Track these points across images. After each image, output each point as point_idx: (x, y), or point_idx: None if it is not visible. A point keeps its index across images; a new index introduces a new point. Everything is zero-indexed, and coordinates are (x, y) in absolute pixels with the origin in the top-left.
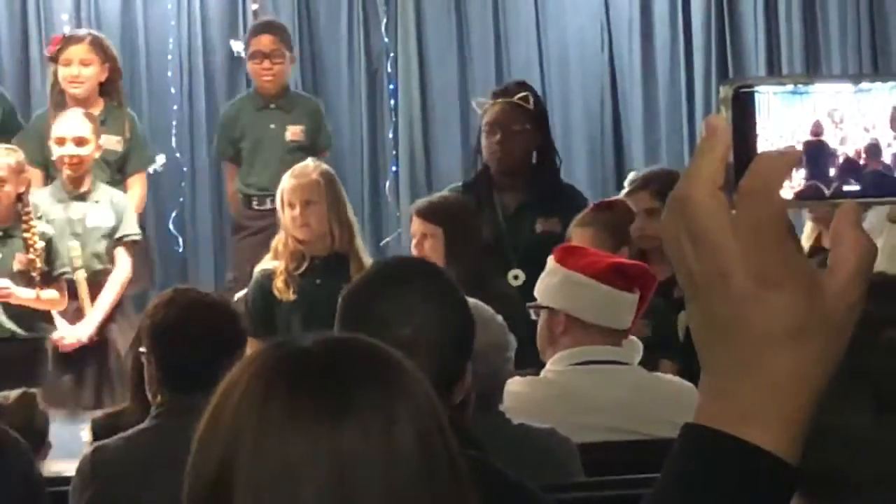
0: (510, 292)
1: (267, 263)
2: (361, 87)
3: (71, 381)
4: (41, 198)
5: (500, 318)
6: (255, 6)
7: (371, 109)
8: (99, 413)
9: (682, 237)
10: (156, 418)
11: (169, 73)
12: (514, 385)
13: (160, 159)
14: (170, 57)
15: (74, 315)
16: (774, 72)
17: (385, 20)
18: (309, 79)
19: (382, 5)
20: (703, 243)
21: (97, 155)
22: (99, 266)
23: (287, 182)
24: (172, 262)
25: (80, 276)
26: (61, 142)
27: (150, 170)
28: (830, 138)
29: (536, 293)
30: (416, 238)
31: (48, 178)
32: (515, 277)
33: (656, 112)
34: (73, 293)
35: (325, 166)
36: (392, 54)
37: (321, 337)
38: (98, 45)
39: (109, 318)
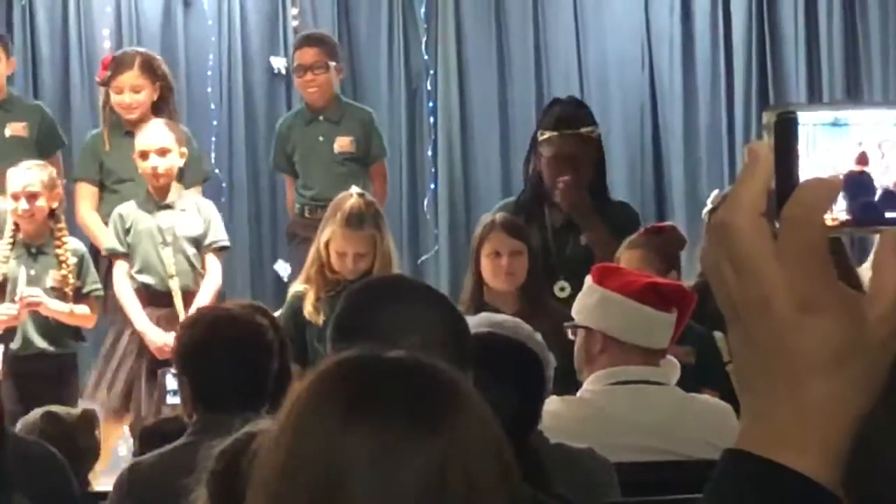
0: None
1: (299, 285)
2: (401, 104)
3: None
4: (128, 209)
5: (538, 336)
6: (295, 23)
7: (410, 127)
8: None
9: (724, 263)
10: (190, 435)
11: (208, 89)
12: (552, 404)
13: None
14: (209, 73)
15: (171, 323)
16: (815, 93)
17: (425, 38)
18: (349, 95)
19: (423, 23)
20: (744, 269)
21: (181, 163)
22: (192, 273)
23: (339, 227)
24: None
25: (175, 285)
26: (145, 155)
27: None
28: (873, 167)
29: (574, 313)
30: (506, 255)
31: (103, 195)
32: (562, 289)
33: (696, 131)
34: (167, 302)
35: (372, 208)
36: (432, 72)
37: (390, 355)
38: (148, 68)
39: None
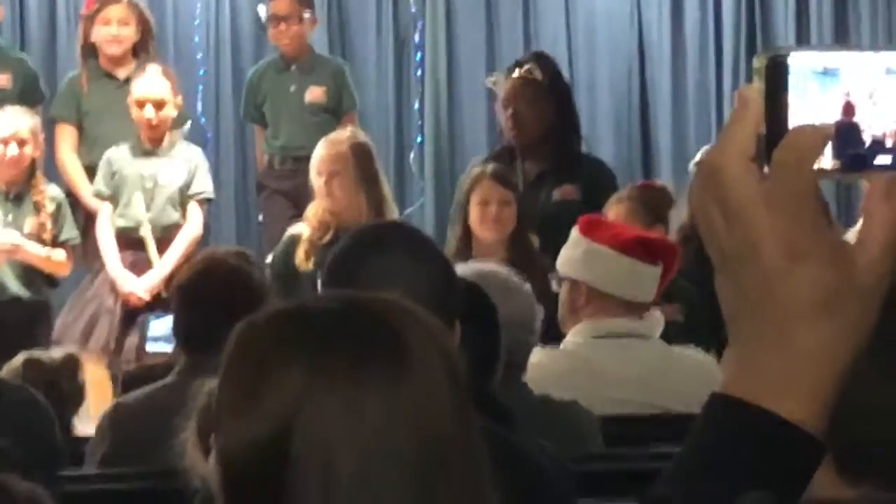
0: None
1: (297, 228)
2: (389, 55)
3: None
4: (118, 153)
5: (528, 287)
6: None
7: (398, 79)
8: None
9: (712, 208)
10: (177, 375)
11: (195, 38)
12: (535, 356)
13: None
14: (196, 21)
15: (144, 269)
16: None
17: None
18: (336, 47)
19: None
20: (733, 214)
21: (175, 113)
22: (170, 222)
23: (318, 150)
24: None
25: (147, 232)
26: (141, 104)
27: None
28: (862, 117)
29: (559, 264)
30: (495, 203)
31: (81, 136)
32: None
33: (684, 88)
34: (142, 247)
35: (360, 137)
36: (420, 23)
37: (334, 296)
38: (135, 6)
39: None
